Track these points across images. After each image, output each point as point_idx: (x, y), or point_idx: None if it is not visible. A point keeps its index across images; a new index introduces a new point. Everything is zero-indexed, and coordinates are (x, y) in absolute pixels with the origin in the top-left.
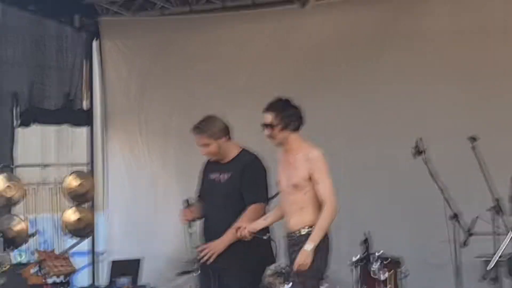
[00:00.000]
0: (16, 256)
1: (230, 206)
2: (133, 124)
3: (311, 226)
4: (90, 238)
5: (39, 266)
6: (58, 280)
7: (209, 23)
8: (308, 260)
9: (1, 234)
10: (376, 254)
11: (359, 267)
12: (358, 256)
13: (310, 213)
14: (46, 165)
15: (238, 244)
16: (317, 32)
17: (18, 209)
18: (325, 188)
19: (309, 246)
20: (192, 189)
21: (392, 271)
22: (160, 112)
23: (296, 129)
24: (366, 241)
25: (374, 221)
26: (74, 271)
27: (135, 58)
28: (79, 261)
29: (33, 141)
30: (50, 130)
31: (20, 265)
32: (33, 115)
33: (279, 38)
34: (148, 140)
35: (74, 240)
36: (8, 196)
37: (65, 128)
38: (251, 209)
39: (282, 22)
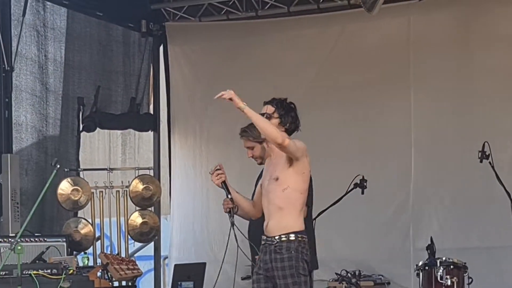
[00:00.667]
0: (83, 259)
1: None
2: (197, 130)
3: (292, 233)
4: (154, 242)
5: (104, 270)
6: (123, 284)
7: (275, 28)
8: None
9: (68, 237)
10: (443, 259)
11: (424, 272)
12: (423, 262)
13: (288, 218)
14: (112, 169)
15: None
16: (384, 36)
17: (84, 212)
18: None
19: (244, 106)
20: None
21: (457, 277)
22: (224, 118)
23: (290, 131)
24: (430, 246)
25: (440, 226)
26: (139, 275)
27: (200, 63)
28: (144, 265)
29: (100, 145)
30: (117, 134)
31: (86, 268)
32: (97, 120)
33: (345, 42)
34: (211, 146)
35: (139, 244)
36: (74, 199)
37: (132, 132)
38: None
39: (348, 26)
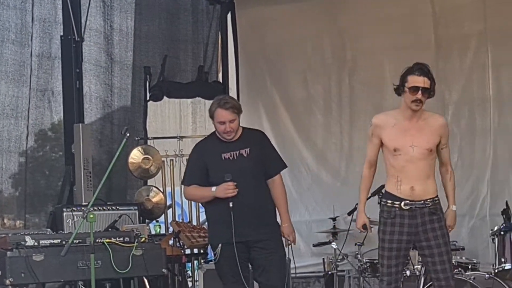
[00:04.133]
0: (154, 228)
1: (259, 178)
2: (266, 96)
3: (436, 197)
4: None
5: (176, 238)
6: (195, 251)
7: None
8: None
9: (140, 206)
10: None
11: (499, 237)
12: (498, 227)
13: (433, 184)
14: (182, 137)
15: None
16: None
17: (155, 180)
18: (448, 153)
19: (454, 207)
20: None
21: None
22: (296, 82)
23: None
24: (506, 211)
25: None
26: None
27: (269, 29)
28: None
29: (171, 114)
30: (187, 103)
31: (157, 236)
32: (165, 89)
33: None
34: (280, 113)
35: None
36: (145, 167)
37: (202, 101)
38: (280, 182)
39: None
